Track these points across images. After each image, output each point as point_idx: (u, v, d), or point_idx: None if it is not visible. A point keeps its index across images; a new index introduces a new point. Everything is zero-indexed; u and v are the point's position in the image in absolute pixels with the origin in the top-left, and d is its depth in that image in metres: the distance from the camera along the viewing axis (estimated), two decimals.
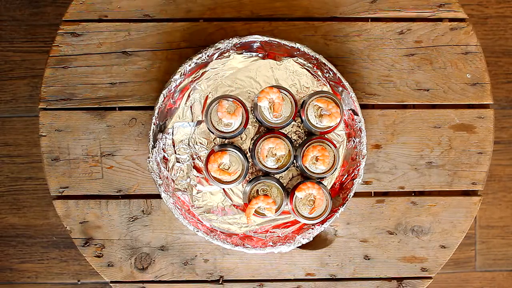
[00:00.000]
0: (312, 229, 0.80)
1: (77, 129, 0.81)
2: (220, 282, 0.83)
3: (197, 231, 0.78)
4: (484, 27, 1.27)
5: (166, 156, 0.80)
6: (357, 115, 0.79)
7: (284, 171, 0.79)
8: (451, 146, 0.83)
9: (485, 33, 1.27)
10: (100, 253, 0.82)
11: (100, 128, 0.81)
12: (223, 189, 0.81)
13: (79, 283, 1.27)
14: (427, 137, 0.83)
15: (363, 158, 0.78)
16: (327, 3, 0.82)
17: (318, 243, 0.85)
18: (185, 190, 0.81)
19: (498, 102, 1.28)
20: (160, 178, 0.78)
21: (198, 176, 0.81)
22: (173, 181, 0.81)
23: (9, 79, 1.24)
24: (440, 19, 0.83)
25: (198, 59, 0.78)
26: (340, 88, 0.79)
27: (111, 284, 0.83)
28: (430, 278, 0.84)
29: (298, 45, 0.78)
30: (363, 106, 0.82)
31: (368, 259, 0.83)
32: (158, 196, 0.82)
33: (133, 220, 0.82)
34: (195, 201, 0.81)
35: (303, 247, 0.83)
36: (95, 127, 0.81)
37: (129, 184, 0.82)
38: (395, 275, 0.84)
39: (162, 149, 0.80)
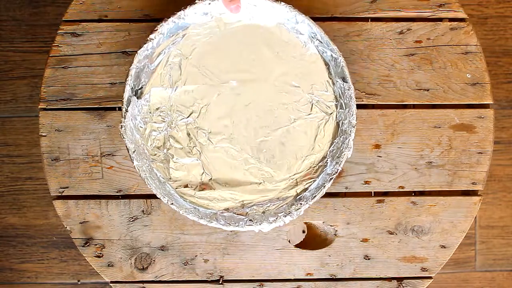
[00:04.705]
0: (297, 207, 0.76)
1: (77, 129, 0.81)
2: (220, 282, 0.83)
3: (171, 204, 0.74)
4: (484, 27, 1.27)
5: (142, 124, 0.76)
6: (347, 82, 0.75)
7: None
8: (451, 146, 0.83)
9: (485, 33, 1.27)
10: (100, 253, 0.82)
11: (100, 128, 0.81)
12: (203, 162, 0.77)
13: (79, 283, 1.27)
14: (427, 137, 0.83)
15: (353, 128, 0.75)
16: (327, 3, 0.82)
17: (318, 243, 0.85)
18: (162, 161, 0.76)
19: (498, 102, 1.28)
20: (133, 145, 0.73)
21: (175, 147, 0.77)
22: (149, 151, 0.76)
23: (9, 79, 1.24)
24: (440, 19, 0.83)
25: (177, 17, 0.73)
26: (329, 53, 0.76)
27: (111, 284, 0.83)
28: (430, 278, 0.84)
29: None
30: (363, 106, 0.82)
31: (368, 259, 0.84)
32: (158, 196, 0.82)
33: (133, 220, 0.82)
34: (171, 173, 0.77)
35: (303, 247, 0.83)
36: (95, 127, 0.81)
37: (129, 184, 0.82)
38: (395, 275, 0.84)
39: (137, 116, 0.75)
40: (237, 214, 0.76)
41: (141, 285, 0.83)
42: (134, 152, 0.73)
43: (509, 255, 1.31)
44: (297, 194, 0.77)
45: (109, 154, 0.81)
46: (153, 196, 0.82)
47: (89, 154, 0.81)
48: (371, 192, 0.83)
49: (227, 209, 0.77)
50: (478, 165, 0.83)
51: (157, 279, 0.83)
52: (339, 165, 0.75)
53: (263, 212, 0.76)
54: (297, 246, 0.84)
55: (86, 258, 0.82)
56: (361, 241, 0.83)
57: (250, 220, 0.75)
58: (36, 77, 1.23)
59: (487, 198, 1.29)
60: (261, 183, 0.78)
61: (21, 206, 1.25)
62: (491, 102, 0.83)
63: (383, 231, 0.83)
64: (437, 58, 0.82)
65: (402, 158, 0.83)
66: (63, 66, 0.81)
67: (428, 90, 0.82)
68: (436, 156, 0.83)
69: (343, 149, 0.75)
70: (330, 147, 0.78)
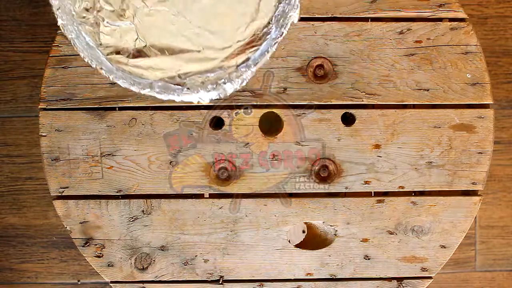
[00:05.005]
0: (238, 74, 0.70)
1: (77, 129, 0.81)
2: (220, 282, 0.83)
3: (101, 68, 0.67)
4: (484, 27, 1.27)
5: None
6: None
7: None
8: (451, 146, 0.83)
9: (485, 33, 1.27)
10: (100, 253, 0.82)
11: (100, 128, 0.81)
12: (136, 27, 0.69)
13: (79, 283, 1.27)
14: (427, 137, 0.83)
15: None
16: (327, 3, 0.82)
17: (318, 243, 0.85)
18: (91, 25, 0.69)
19: (498, 102, 1.28)
20: (57, 1, 0.66)
21: (106, 9, 0.69)
22: (77, 13, 0.69)
23: (9, 79, 1.24)
24: (440, 19, 0.83)
25: None
26: None
27: (111, 284, 0.83)
28: (430, 278, 0.84)
29: None
30: (363, 106, 0.82)
31: (368, 259, 0.83)
32: (158, 196, 0.82)
33: (133, 220, 0.82)
34: (102, 39, 0.69)
35: (303, 247, 0.83)
36: (95, 127, 0.81)
37: (129, 184, 0.82)
38: (395, 275, 0.84)
39: None
40: (174, 85, 0.69)
41: (141, 285, 0.83)
42: (58, 9, 0.66)
43: (509, 255, 1.31)
44: (239, 64, 0.70)
45: (109, 154, 0.81)
46: (153, 196, 0.82)
47: (89, 154, 0.81)
48: (371, 192, 0.83)
49: (162, 79, 0.70)
50: (478, 165, 0.83)
51: (157, 279, 0.83)
52: (285, 28, 0.68)
53: (202, 82, 0.69)
54: (297, 246, 0.84)
55: (86, 258, 0.82)
56: (361, 241, 0.83)
57: (187, 89, 0.68)
58: (36, 77, 1.23)
59: (487, 198, 1.29)
60: (200, 51, 0.70)
61: (21, 206, 1.25)
62: (491, 102, 0.83)
63: (383, 231, 0.83)
64: (437, 58, 0.82)
65: (402, 158, 0.83)
66: (63, 66, 0.81)
67: (428, 90, 0.82)
68: (436, 156, 0.83)
69: (289, 11, 0.68)
70: (275, 11, 0.70)
